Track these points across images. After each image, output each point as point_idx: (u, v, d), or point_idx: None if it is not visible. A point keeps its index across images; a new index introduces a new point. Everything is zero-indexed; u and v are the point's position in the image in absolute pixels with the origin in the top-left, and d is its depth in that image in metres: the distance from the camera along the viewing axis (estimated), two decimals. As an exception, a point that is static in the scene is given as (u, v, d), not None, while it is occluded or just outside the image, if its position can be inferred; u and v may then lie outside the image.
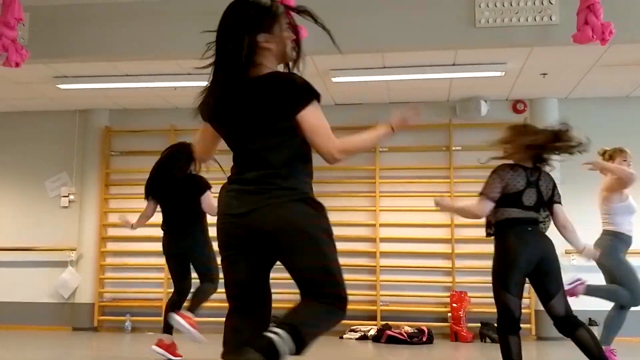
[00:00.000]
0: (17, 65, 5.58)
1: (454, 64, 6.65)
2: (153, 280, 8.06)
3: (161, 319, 5.42)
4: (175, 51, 6.26)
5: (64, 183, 8.49)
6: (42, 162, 8.54)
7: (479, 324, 7.20)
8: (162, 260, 5.63)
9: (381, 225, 7.79)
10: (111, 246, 8.41)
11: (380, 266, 7.68)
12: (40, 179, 8.52)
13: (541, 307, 7.16)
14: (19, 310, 8.20)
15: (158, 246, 5.40)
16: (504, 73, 6.75)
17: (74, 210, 8.38)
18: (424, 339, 6.88)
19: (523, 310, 7.58)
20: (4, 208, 8.56)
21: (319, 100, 2.30)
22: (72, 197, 8.42)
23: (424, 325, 7.13)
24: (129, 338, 7.55)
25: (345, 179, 7.92)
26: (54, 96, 7.86)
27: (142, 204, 5.51)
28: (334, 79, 6.91)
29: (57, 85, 7.31)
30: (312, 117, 2.26)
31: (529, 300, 7.17)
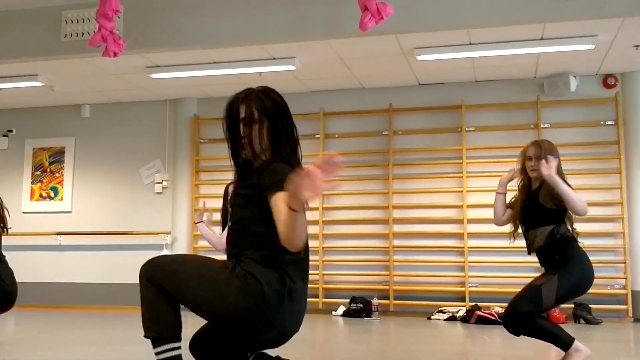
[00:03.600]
0: (114, 55, 5.81)
1: (541, 39, 6.44)
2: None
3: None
4: (261, 36, 6.41)
5: (157, 170, 8.83)
6: (137, 150, 8.90)
7: (572, 305, 7.02)
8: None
9: (469, 206, 7.66)
10: (203, 229, 8.67)
11: (468, 247, 7.58)
12: (135, 166, 8.89)
13: (638, 288, 6.88)
14: (118, 292, 8.59)
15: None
16: (594, 46, 6.49)
17: (168, 196, 8.71)
18: (515, 320, 6.76)
19: (619, 291, 7.32)
20: (102, 195, 9.00)
21: None
22: (165, 183, 8.75)
23: (514, 306, 7.01)
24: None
25: (432, 160, 7.83)
26: (146, 86, 8.17)
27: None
28: (419, 57, 6.82)
29: (150, 75, 7.57)
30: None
31: (625, 280, 6.94)
